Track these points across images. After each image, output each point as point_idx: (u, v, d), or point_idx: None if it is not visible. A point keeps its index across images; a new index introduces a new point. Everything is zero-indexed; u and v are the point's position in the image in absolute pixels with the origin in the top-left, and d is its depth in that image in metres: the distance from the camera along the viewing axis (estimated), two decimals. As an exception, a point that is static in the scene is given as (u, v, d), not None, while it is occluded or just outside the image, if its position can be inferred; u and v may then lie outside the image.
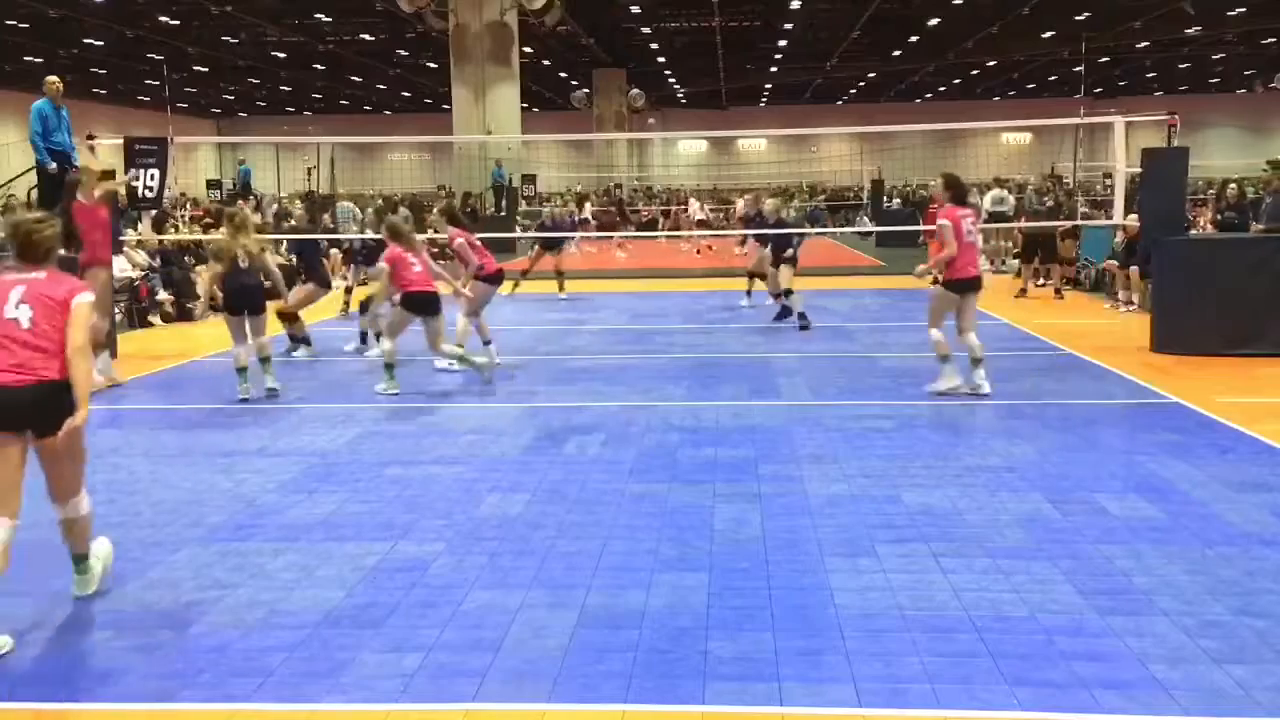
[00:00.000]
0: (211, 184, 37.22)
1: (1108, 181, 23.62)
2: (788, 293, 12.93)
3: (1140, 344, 10.85)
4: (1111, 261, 15.10)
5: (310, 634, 4.20)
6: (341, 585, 4.72)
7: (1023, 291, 15.97)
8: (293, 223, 14.82)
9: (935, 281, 8.72)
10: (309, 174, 37.70)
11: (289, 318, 11.15)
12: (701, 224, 29.45)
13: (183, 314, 14.54)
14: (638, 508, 5.80)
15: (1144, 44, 40.31)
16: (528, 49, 33.82)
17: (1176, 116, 11.84)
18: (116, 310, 12.32)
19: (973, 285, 8.59)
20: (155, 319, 14.15)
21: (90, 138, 12.46)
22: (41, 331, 4.27)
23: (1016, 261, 19.47)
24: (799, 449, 7.01)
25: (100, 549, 4.79)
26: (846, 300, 15.65)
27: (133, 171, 11.94)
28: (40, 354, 4.26)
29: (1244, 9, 33.67)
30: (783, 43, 40.92)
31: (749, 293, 14.96)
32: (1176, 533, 5.26)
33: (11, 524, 4.28)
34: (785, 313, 13.04)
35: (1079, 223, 17.81)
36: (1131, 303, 13.96)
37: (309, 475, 6.48)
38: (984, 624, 4.19)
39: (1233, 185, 19.02)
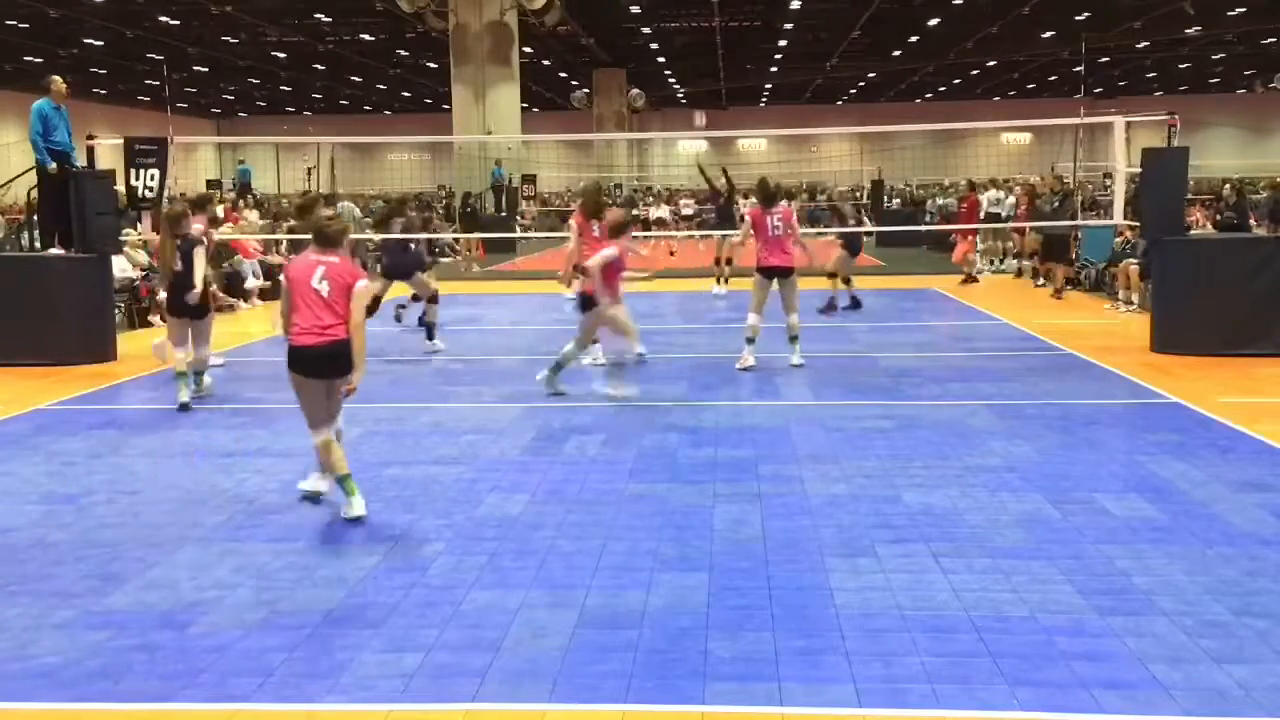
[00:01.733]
0: (211, 184, 37.22)
1: (1107, 182, 23.63)
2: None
3: (1140, 344, 10.85)
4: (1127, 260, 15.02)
5: (310, 634, 4.20)
6: (341, 585, 4.72)
7: (1058, 292, 15.75)
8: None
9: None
10: (309, 174, 37.74)
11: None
12: (660, 223, 29.45)
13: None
14: (638, 508, 5.80)
15: (1144, 44, 40.28)
16: (528, 49, 33.79)
17: (1176, 116, 11.80)
18: (117, 310, 12.32)
19: (778, 272, 9.83)
20: (155, 319, 14.14)
21: (90, 138, 12.44)
22: (334, 301, 5.64)
23: (1015, 261, 19.49)
24: (799, 449, 7.01)
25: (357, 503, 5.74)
26: (846, 300, 15.59)
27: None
28: (333, 318, 5.63)
29: (1244, 9, 33.63)
30: (783, 43, 40.87)
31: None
32: (1176, 533, 5.26)
33: (332, 428, 5.79)
34: None
35: (1080, 223, 17.78)
36: (1131, 303, 13.96)
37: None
38: (984, 624, 4.19)
39: (1227, 186, 19.04)
